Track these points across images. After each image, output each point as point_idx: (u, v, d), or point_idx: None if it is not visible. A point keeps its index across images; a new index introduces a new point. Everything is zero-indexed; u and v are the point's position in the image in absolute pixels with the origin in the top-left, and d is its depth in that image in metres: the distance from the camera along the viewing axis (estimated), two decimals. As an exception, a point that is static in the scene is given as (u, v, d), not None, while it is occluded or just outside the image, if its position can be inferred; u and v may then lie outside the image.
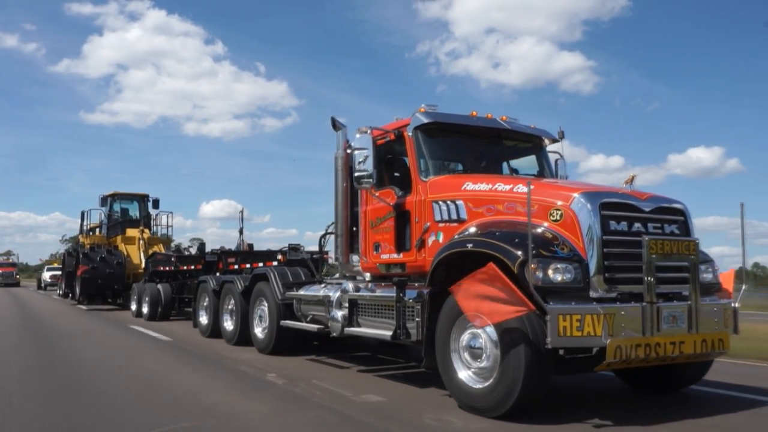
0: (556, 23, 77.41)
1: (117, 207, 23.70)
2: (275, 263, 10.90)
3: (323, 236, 9.46)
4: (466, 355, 5.17)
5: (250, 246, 14.71)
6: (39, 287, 42.49)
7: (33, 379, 6.88)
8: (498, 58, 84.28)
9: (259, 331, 9.20)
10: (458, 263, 5.39)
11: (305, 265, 9.76)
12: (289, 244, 10.73)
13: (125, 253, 21.01)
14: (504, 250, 4.82)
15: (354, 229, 7.46)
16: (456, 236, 5.58)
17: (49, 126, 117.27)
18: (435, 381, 6.39)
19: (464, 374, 5.15)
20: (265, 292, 9.01)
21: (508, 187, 5.52)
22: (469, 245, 5.15)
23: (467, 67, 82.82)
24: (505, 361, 4.72)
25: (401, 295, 6.10)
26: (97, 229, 24.48)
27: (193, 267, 14.93)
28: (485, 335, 4.98)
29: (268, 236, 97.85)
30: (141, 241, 21.42)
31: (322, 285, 8.12)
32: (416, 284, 6.19)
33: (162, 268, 16.87)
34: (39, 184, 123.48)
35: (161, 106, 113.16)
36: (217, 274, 12.81)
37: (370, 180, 6.30)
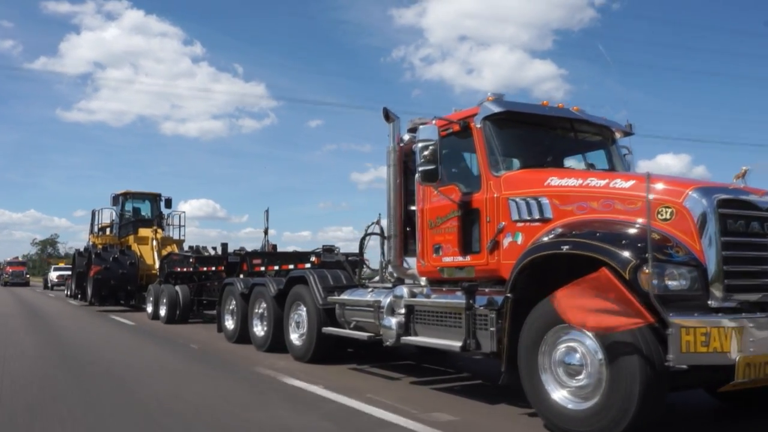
0: (528, 32, 77.66)
1: (129, 206, 23.12)
2: (308, 265, 10.33)
3: (364, 238, 8.88)
4: (560, 372, 4.58)
5: (274, 247, 14.14)
6: (45, 287, 41.96)
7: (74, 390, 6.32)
8: (471, 65, 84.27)
9: (295, 338, 8.63)
10: (544, 268, 4.83)
11: (342, 268, 9.23)
12: (323, 246, 10.14)
13: (138, 254, 20.45)
14: (611, 252, 4.24)
15: (407, 229, 6.91)
16: (542, 237, 5.00)
17: (26, 122, 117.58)
18: (503, 396, 5.85)
19: (559, 394, 4.56)
20: (303, 296, 8.44)
21: (603, 182, 4.94)
22: (565, 247, 4.57)
23: (441, 73, 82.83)
24: (615, 380, 4.14)
25: (471, 302, 5.54)
26: (108, 229, 23.93)
27: (214, 268, 14.36)
28: (585, 350, 4.40)
29: (246, 236, 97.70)
30: (154, 242, 20.86)
31: (369, 290, 7.54)
32: (486, 290, 5.62)
33: (179, 269, 16.31)
34: (14, 180, 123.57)
35: (139, 106, 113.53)
36: (241, 275, 12.26)
37: (437, 175, 5.71)
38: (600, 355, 4.27)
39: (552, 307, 4.45)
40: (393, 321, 6.55)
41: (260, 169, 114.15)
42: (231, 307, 11.04)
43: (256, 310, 9.91)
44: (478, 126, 5.87)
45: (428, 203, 6.42)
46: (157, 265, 19.98)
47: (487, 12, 76.39)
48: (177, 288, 15.27)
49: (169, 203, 23.39)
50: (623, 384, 4.09)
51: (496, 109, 5.82)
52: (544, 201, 5.18)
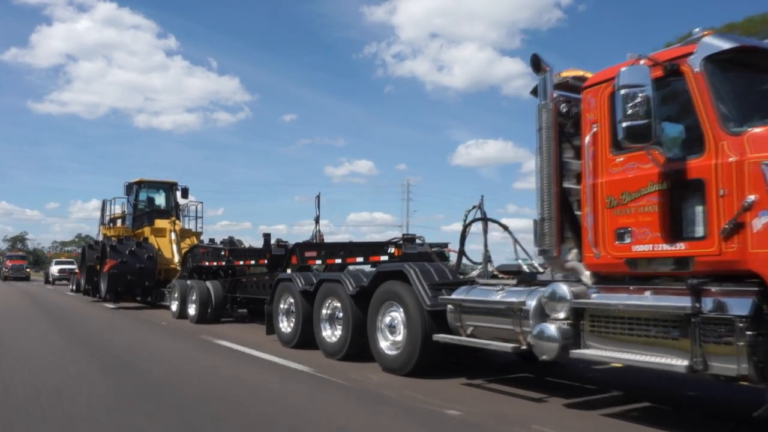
0: (497, 31, 76.70)
1: (143, 196, 21.51)
2: (384, 258, 8.84)
3: (466, 227, 7.39)
4: None
5: (322, 238, 12.62)
6: (47, 282, 40.23)
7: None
8: (442, 62, 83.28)
9: (386, 346, 7.11)
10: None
11: (429, 261, 7.77)
12: (404, 234, 8.65)
13: (156, 247, 18.87)
14: None
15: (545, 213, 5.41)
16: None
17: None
18: (715, 426, 4.39)
19: None
20: (399, 295, 6.92)
21: None
22: None
23: (413, 70, 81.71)
24: None
25: (698, 305, 4.06)
26: (119, 220, 22.32)
27: (253, 262, 12.82)
28: None
29: (222, 229, 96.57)
30: (173, 234, 19.28)
31: (497, 288, 6.04)
32: (712, 289, 4.14)
33: (208, 263, 14.76)
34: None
35: (112, 98, 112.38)
36: (288, 270, 10.75)
37: (650, 133, 4.21)
38: None
39: None
40: (552, 329, 5.06)
41: (236, 162, 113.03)
42: (286, 307, 9.53)
43: (325, 311, 8.40)
44: (697, 69, 4.36)
45: (606, 175, 4.92)
46: (176, 259, 18.49)
47: (456, 11, 75.77)
48: (208, 284, 13.73)
49: (186, 193, 21.80)
50: None
51: (725, 45, 4.33)
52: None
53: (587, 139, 5.07)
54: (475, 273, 7.43)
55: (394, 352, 6.96)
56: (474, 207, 7.63)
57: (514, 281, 6.20)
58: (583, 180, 5.15)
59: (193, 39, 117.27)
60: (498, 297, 5.88)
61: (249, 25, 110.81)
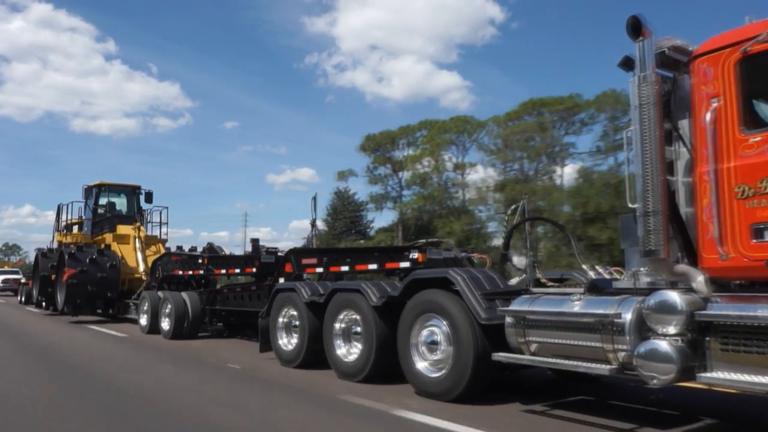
0: (434, 45, 77.96)
1: (103, 200, 19.89)
2: (404, 264, 7.81)
3: (513, 229, 6.45)
4: None
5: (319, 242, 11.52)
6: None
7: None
8: (381, 73, 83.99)
9: (424, 367, 6.06)
10: None
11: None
12: (428, 239, 7.65)
13: (119, 255, 17.34)
14: None
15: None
16: None
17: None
18: None
19: None
20: (443, 306, 5.88)
21: None
22: None
23: (353, 80, 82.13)
24: None
25: None
26: (75, 227, 20.61)
27: (238, 271, 11.58)
28: None
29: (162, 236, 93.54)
30: (137, 241, 17.80)
31: (575, 297, 5.08)
32: None
33: (182, 272, 13.43)
34: None
35: (47, 101, 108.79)
36: (281, 279, 9.61)
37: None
38: None
39: None
40: (666, 347, 4.13)
41: (177, 168, 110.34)
42: (286, 321, 8.41)
43: (339, 326, 7.31)
44: None
45: (735, 159, 4.05)
46: (141, 268, 17.07)
47: (395, 24, 76.37)
48: (184, 295, 12.40)
49: (150, 197, 20.30)
50: None
51: None
52: None
53: (707, 116, 4.19)
54: (515, 281, 6.50)
55: (436, 374, 5.92)
56: (516, 206, 6.73)
57: (581, 289, 5.28)
58: (700, 165, 4.27)
59: (133, 43, 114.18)
60: (577, 308, 4.92)
61: (190, 31, 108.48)
